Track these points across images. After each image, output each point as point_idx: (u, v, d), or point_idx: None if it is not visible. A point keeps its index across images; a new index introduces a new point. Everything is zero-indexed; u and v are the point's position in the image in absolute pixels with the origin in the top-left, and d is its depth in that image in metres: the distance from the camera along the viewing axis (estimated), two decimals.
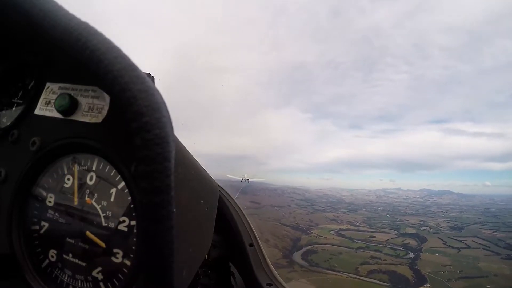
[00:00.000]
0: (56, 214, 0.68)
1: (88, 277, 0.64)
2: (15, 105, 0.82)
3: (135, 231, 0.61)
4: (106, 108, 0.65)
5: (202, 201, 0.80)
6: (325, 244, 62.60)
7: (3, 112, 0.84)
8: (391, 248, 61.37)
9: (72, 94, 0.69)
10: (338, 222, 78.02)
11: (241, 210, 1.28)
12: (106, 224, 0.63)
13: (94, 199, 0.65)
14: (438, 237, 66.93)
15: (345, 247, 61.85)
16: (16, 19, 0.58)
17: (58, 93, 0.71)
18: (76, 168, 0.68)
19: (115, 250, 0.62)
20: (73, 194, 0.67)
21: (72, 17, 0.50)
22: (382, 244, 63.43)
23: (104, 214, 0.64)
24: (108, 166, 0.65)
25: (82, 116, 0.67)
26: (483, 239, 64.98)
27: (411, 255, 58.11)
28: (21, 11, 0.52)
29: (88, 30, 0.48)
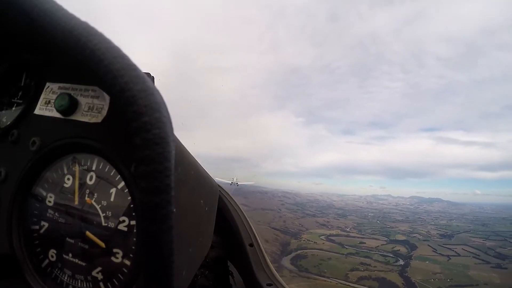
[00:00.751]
0: (56, 214, 0.68)
1: (88, 277, 0.64)
2: (15, 105, 0.83)
3: (135, 231, 0.61)
4: (106, 108, 0.65)
5: (202, 201, 0.81)
6: (315, 249, 61.82)
7: (3, 112, 0.84)
8: (381, 255, 60.87)
9: (72, 94, 0.69)
10: (328, 227, 77.36)
11: (241, 210, 1.28)
12: (106, 224, 0.63)
13: (94, 199, 0.65)
14: (428, 245, 66.66)
15: (335, 252, 61.19)
16: (16, 19, 0.58)
17: (58, 93, 0.71)
18: (77, 168, 0.68)
19: (115, 250, 0.62)
20: (73, 194, 0.68)
21: (72, 17, 0.50)
22: (372, 251, 62.92)
23: (104, 214, 0.64)
24: (108, 166, 0.65)
25: (82, 116, 0.67)
26: (473, 248, 64.86)
27: (401, 262, 57.66)
28: (21, 11, 0.53)
29: (88, 30, 0.48)
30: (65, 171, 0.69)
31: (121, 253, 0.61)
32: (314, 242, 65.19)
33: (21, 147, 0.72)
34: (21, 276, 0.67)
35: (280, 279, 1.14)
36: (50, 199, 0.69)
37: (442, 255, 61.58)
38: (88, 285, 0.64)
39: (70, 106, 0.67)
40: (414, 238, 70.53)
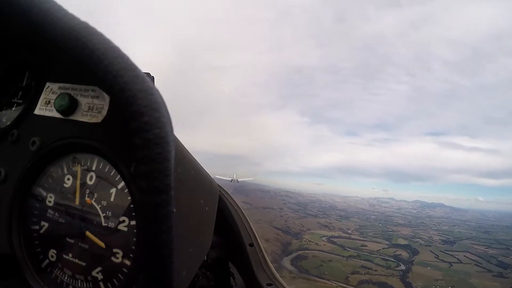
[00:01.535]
0: (56, 214, 0.68)
1: (88, 277, 0.64)
2: (15, 105, 0.82)
3: (135, 231, 0.61)
4: (106, 108, 0.65)
5: (202, 201, 0.80)
6: (316, 250, 61.50)
7: (3, 112, 0.84)
8: (383, 259, 60.42)
9: (72, 94, 0.69)
10: (330, 228, 77.02)
11: (241, 210, 1.28)
12: (106, 224, 0.63)
13: (94, 199, 0.65)
14: (430, 250, 66.13)
15: (336, 254, 60.78)
16: (16, 19, 0.58)
17: (58, 93, 0.71)
18: (79, 168, 0.68)
19: (115, 250, 0.62)
20: (73, 194, 0.67)
21: (72, 17, 0.50)
22: (374, 254, 62.48)
23: (104, 214, 0.64)
24: (108, 166, 0.65)
25: (82, 116, 0.67)
26: (475, 255, 64.29)
27: (403, 267, 57.18)
28: (21, 11, 0.52)
29: (88, 30, 0.48)
30: (65, 171, 0.69)
31: (121, 253, 0.61)
32: (315, 243, 64.95)
33: (21, 147, 0.72)
34: (21, 276, 0.67)
35: (280, 279, 1.15)
36: (50, 199, 0.69)
37: (444, 261, 61.07)
38: (88, 285, 0.64)
39: (70, 106, 0.66)
40: (416, 243, 70.06)
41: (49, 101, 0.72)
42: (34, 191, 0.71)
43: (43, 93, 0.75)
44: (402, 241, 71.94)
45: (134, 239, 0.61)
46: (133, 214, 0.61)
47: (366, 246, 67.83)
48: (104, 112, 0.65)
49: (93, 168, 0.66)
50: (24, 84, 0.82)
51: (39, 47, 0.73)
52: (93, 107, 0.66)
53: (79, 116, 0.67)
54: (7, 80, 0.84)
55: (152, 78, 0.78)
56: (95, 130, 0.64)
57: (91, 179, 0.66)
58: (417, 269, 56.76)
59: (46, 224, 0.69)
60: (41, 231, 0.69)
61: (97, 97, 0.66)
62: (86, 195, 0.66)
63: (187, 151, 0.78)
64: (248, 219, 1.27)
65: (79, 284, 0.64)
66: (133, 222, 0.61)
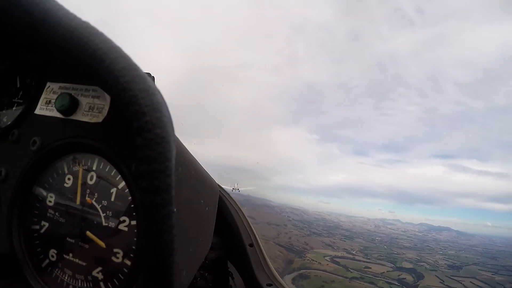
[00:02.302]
0: (57, 213, 0.68)
1: (88, 276, 0.64)
2: (16, 104, 0.82)
3: (135, 231, 0.61)
4: (107, 107, 0.65)
5: (202, 201, 0.80)
6: (318, 270, 60.96)
7: (4, 111, 0.83)
8: (387, 282, 59.53)
9: (72, 94, 0.69)
10: (334, 248, 76.34)
11: (241, 210, 1.28)
12: (106, 224, 0.63)
13: (94, 198, 0.65)
14: (435, 275, 65.06)
15: (338, 275, 60.05)
16: (17, 19, 0.57)
17: (59, 93, 0.71)
18: (80, 168, 0.67)
19: (115, 250, 0.62)
20: (73, 194, 0.67)
21: (73, 17, 0.49)
22: (377, 277, 61.62)
23: (105, 214, 0.63)
24: (109, 166, 0.64)
25: (82, 116, 0.67)
26: (481, 281, 63.03)
27: None
28: (22, 10, 0.52)
29: (89, 30, 0.48)
30: (66, 171, 0.69)
31: (121, 253, 0.61)
32: (318, 263, 64.32)
33: (22, 147, 0.72)
34: (21, 276, 0.67)
35: (280, 279, 1.14)
36: (51, 199, 0.69)
37: (450, 287, 59.83)
38: (88, 285, 0.63)
39: (70, 106, 0.66)
40: (421, 267, 68.91)
41: (50, 101, 0.72)
42: (34, 191, 0.71)
43: (43, 92, 0.74)
44: (407, 265, 70.97)
45: (135, 239, 0.61)
46: (134, 214, 0.61)
47: (370, 268, 67.04)
48: (105, 112, 0.64)
49: (94, 168, 0.66)
50: (24, 84, 0.83)
51: (40, 47, 0.73)
52: (93, 107, 0.66)
53: (79, 116, 0.67)
54: (7, 80, 0.84)
55: (153, 78, 0.77)
56: (96, 130, 0.64)
57: (91, 179, 0.66)
58: None
59: (47, 224, 0.69)
60: (42, 231, 0.69)
61: (98, 97, 0.66)
62: (87, 195, 0.65)
63: (188, 151, 0.79)
64: (248, 219, 1.27)
65: (80, 284, 0.64)
66: (133, 222, 0.61)
